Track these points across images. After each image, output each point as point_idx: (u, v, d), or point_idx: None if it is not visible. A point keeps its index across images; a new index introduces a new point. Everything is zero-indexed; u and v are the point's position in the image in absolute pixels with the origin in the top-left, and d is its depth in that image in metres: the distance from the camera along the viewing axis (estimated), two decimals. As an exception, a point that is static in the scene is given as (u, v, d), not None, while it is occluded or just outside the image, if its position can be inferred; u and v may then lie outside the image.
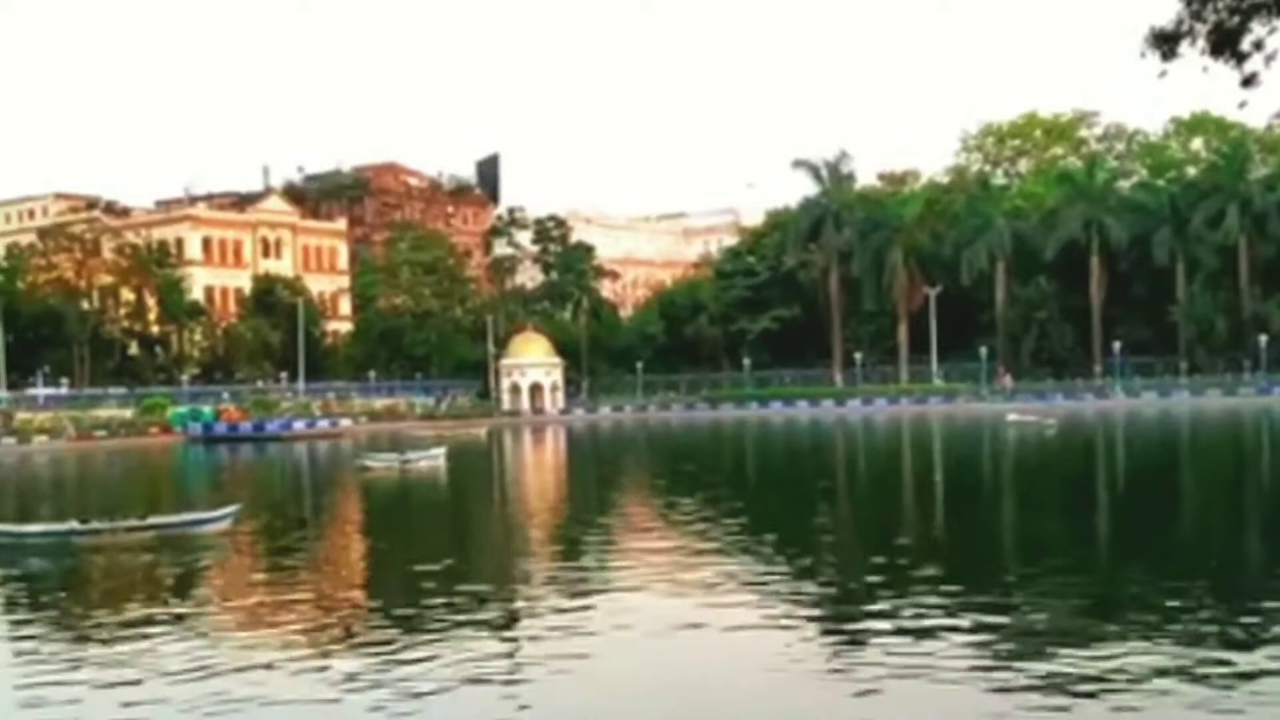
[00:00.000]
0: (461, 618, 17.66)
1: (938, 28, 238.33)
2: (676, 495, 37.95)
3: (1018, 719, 11.85)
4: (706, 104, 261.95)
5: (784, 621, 16.84)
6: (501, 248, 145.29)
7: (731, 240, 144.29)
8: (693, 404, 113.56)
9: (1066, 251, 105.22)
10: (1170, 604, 16.97)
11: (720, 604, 18.26)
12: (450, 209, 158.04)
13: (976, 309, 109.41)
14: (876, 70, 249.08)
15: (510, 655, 15.47)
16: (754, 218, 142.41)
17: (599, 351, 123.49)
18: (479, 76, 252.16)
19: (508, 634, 16.97)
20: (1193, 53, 11.22)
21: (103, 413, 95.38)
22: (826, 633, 16.16)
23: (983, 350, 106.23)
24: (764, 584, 19.88)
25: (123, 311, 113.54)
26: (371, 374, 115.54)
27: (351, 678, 14.27)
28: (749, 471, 53.25)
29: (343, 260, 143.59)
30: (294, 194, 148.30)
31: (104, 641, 17.08)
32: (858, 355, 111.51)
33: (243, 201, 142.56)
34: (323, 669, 14.82)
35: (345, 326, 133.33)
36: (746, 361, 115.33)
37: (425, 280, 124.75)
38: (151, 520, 28.71)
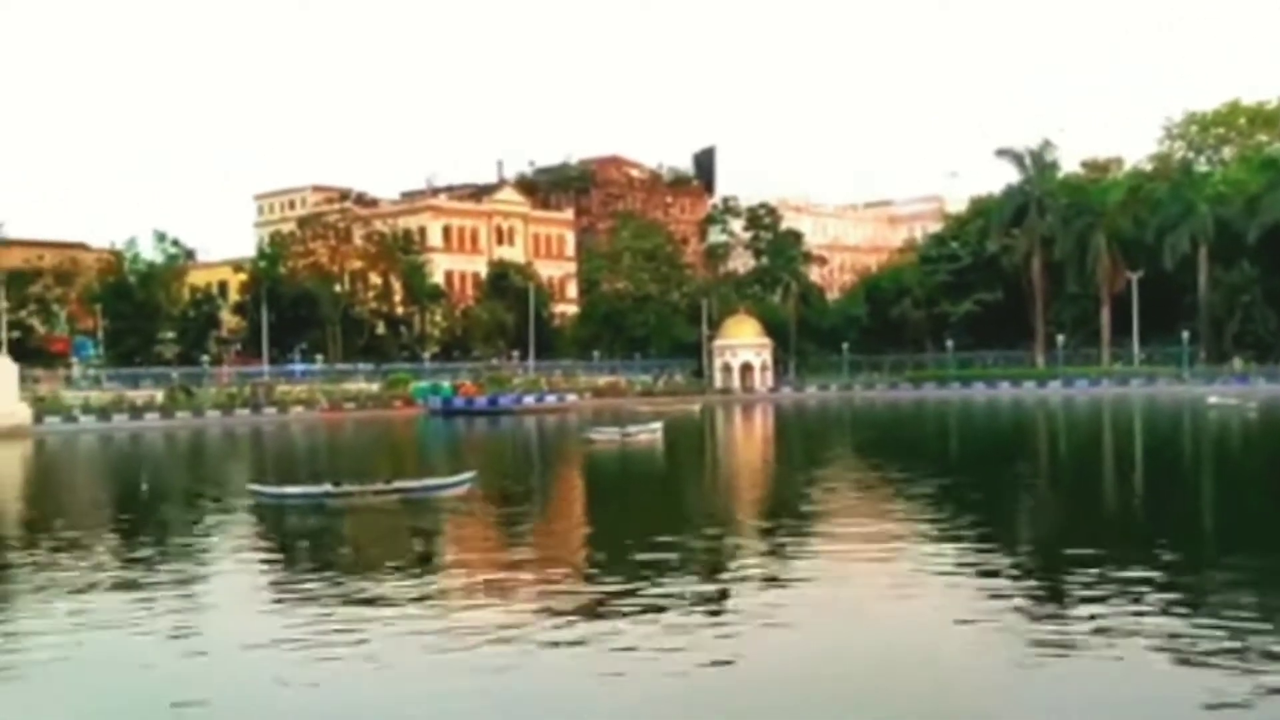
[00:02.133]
0: (673, 580, 17.76)
1: (1141, 16, 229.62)
2: (880, 470, 37.55)
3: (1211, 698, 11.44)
4: (914, 95, 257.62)
5: (979, 594, 16.52)
6: (716, 235, 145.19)
7: (936, 227, 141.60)
8: (896, 384, 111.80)
9: (1270, 236, 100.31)
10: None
11: (920, 574, 18.05)
12: (669, 199, 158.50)
13: (1178, 293, 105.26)
14: (1080, 60, 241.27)
15: (717, 622, 15.51)
16: (958, 205, 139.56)
17: (807, 333, 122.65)
18: (697, 74, 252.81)
19: (716, 598, 17.01)
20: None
21: (352, 386, 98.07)
22: (1022, 606, 15.65)
23: (1184, 334, 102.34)
24: (963, 557, 19.48)
25: (371, 294, 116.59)
26: (595, 353, 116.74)
27: (569, 630, 14.57)
28: (951, 448, 52.27)
29: (570, 247, 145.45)
30: (526, 186, 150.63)
31: (351, 591, 17.64)
32: (1059, 338, 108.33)
33: (479, 193, 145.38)
34: (546, 625, 15.09)
35: (572, 309, 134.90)
36: (949, 343, 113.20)
37: (645, 266, 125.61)
38: (396, 485, 29.59)
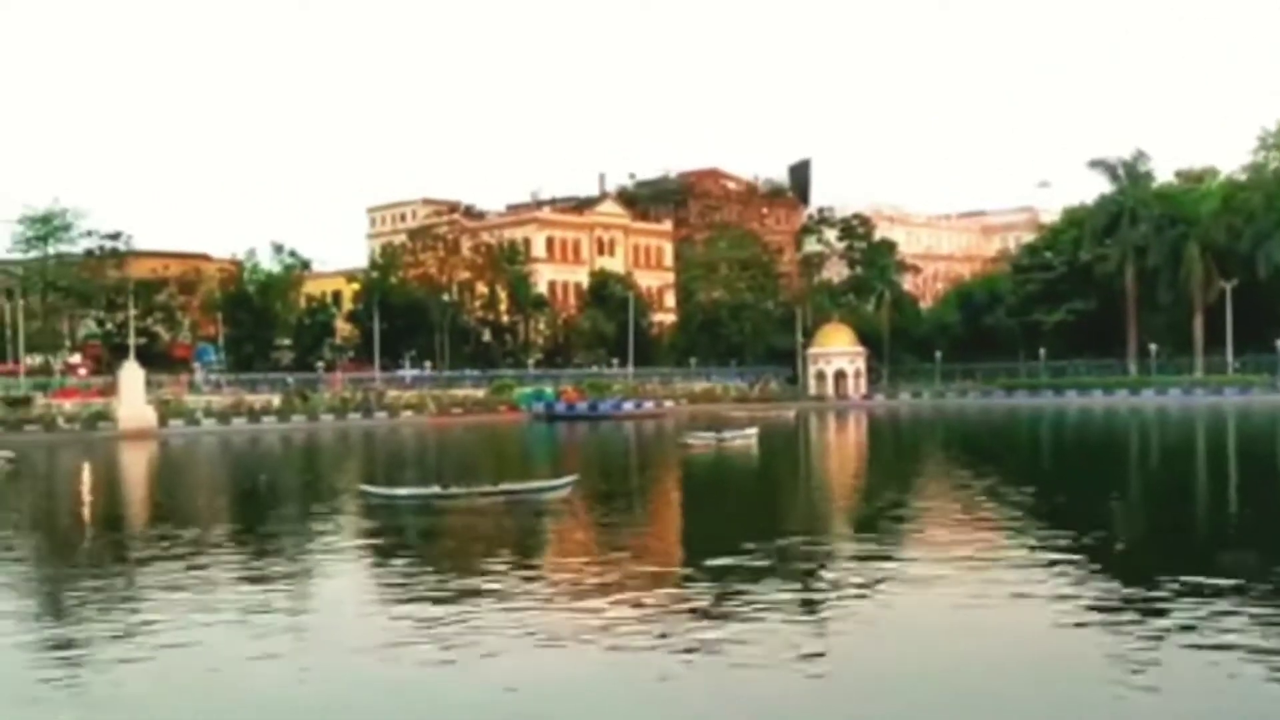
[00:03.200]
0: (767, 581, 17.78)
1: (1237, 25, 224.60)
2: (973, 477, 37.12)
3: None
4: (1006, 106, 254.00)
5: (1072, 603, 16.27)
6: (811, 245, 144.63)
7: (1029, 236, 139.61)
8: (989, 392, 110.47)
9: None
10: None
11: (1012, 582, 17.74)
12: (765, 210, 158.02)
13: (1273, 302, 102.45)
14: (1175, 69, 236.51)
15: (810, 623, 15.54)
16: (1051, 215, 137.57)
17: (900, 341, 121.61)
18: (793, 88, 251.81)
19: (809, 600, 16.99)
20: None
21: (459, 392, 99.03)
22: (1116, 616, 15.36)
23: (1278, 343, 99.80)
24: (1056, 565, 19.10)
25: (477, 303, 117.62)
26: (692, 360, 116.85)
27: (661, 626, 14.70)
28: (1044, 456, 51.58)
29: (668, 258, 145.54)
30: (626, 198, 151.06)
31: (456, 587, 17.87)
32: (1152, 347, 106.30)
33: (581, 206, 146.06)
34: (640, 619, 15.25)
35: (670, 317, 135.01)
36: (1042, 351, 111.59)
37: (741, 276, 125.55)
38: (502, 487, 29.94)
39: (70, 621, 16.46)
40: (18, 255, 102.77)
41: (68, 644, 14.71)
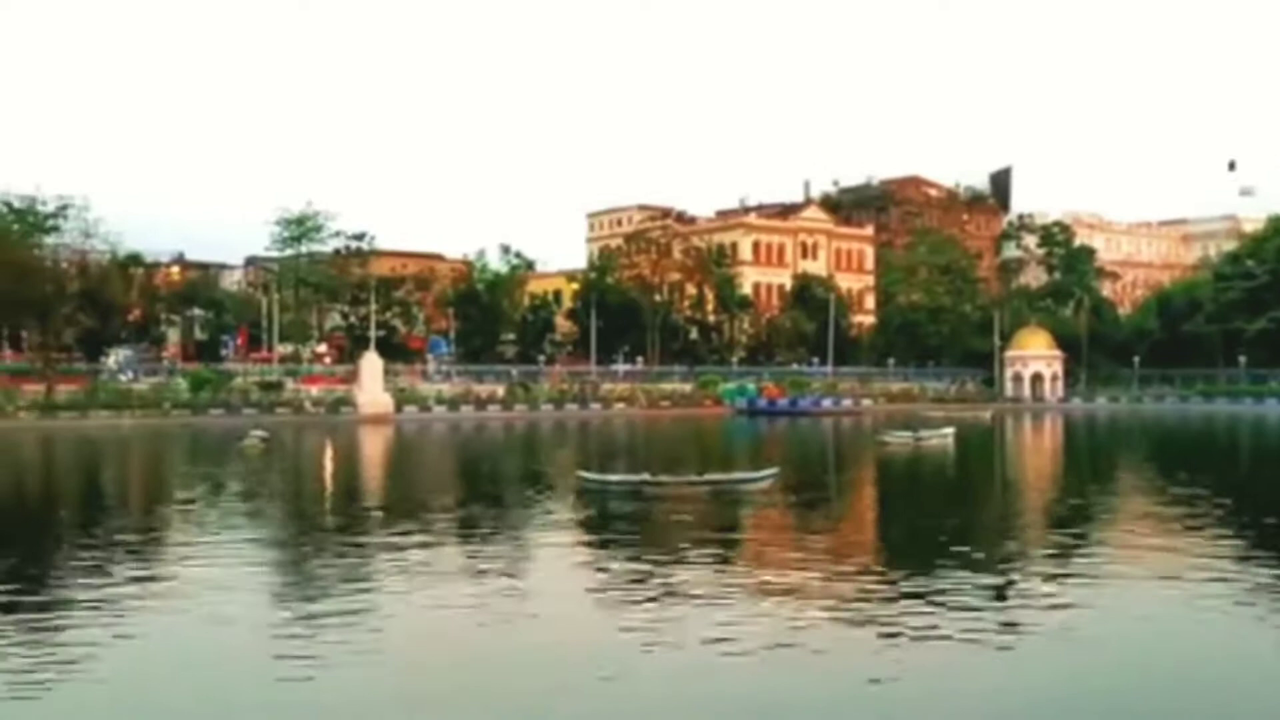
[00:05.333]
0: (960, 584, 17.28)
1: None
2: (1169, 481, 35.46)
3: None
4: (1209, 114, 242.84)
5: (1268, 616, 15.41)
6: (1010, 251, 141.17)
7: (1230, 245, 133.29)
8: (1187, 398, 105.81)
9: None
10: None
11: (1206, 595, 16.80)
12: (965, 216, 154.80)
13: None
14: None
15: (1000, 620, 15.05)
16: (1254, 224, 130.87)
17: (1097, 346, 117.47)
18: (995, 95, 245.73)
19: (999, 599, 16.44)
20: None
21: (667, 386, 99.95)
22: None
23: None
24: (1251, 578, 18.01)
25: (686, 303, 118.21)
26: (890, 361, 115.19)
27: (848, 625, 14.48)
28: (1242, 464, 48.99)
29: (869, 262, 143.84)
30: (829, 204, 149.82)
31: (663, 570, 17.87)
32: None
33: (786, 211, 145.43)
34: (842, 617, 15.05)
35: (869, 319, 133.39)
36: (1242, 359, 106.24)
37: (940, 280, 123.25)
38: (707, 477, 30.05)
39: (313, 585, 17.13)
40: (274, 253, 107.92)
41: (315, 613, 15.30)
